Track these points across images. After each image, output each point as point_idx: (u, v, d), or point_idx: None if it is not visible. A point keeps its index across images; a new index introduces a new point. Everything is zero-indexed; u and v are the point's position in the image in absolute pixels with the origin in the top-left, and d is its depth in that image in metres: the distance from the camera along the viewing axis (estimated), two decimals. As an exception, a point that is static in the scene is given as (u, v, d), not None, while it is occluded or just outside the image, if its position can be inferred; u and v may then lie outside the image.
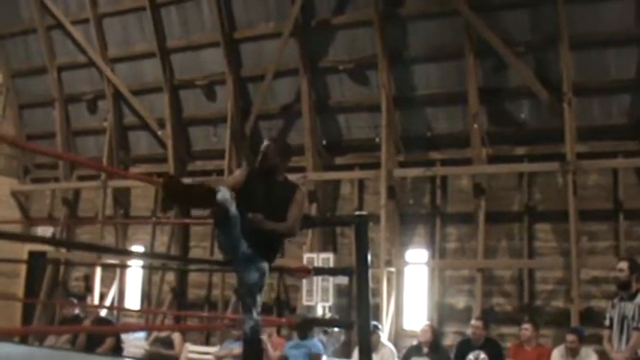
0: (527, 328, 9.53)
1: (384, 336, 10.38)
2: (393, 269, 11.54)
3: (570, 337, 8.92)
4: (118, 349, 10.56)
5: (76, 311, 11.80)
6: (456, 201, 11.77)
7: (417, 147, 11.94)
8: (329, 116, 12.55)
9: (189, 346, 12.12)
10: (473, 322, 9.88)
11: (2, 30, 15.80)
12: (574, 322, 9.88)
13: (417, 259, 11.84)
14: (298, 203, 5.46)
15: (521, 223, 11.24)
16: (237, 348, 10.66)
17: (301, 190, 5.59)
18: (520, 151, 11.29)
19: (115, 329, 10.99)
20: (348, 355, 10.53)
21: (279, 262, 11.97)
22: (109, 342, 10.33)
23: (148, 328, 12.50)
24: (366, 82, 12.09)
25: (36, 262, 15.40)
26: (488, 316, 10.47)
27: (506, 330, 10.80)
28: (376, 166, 11.80)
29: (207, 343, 12.70)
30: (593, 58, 10.67)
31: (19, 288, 15.52)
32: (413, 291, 11.76)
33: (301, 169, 12.44)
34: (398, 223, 11.86)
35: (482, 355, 9.43)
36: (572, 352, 8.88)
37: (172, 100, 13.76)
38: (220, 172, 13.15)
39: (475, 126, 11.10)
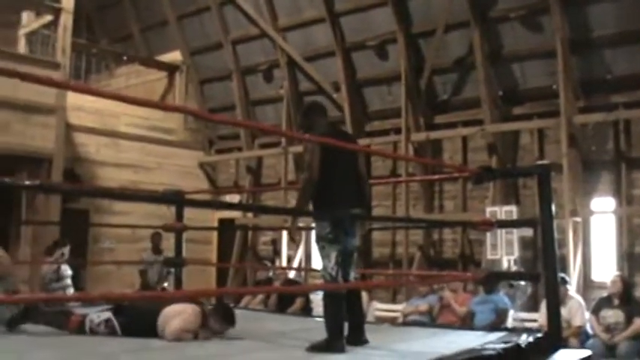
0: None
1: (571, 288, 10.11)
2: (578, 219, 11.18)
3: None
4: (307, 309, 10.86)
5: (270, 274, 12.21)
6: (642, 145, 11.24)
7: (597, 91, 11.42)
8: (503, 66, 12.25)
9: (376, 304, 12.32)
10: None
11: (179, 12, 16.49)
12: None
13: (603, 208, 11.40)
14: (305, 150, 5.72)
15: None
16: (423, 304, 10.76)
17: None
18: None
19: (304, 289, 11.29)
20: (535, 308, 10.36)
21: (461, 216, 12.08)
22: (299, 302, 10.61)
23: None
24: (539, 29, 11.68)
25: (226, 228, 16.10)
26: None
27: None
28: (555, 114, 11.44)
29: (393, 300, 12.87)
30: None
31: (213, 254, 16.34)
32: (600, 241, 11.35)
33: (479, 122, 12.29)
34: (581, 172, 11.43)
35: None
36: None
37: (345, 63, 13.88)
38: (398, 131, 13.18)
39: (659, 64, 10.54)
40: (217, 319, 6.15)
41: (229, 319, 6.23)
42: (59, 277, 11.13)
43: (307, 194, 5.57)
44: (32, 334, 6.01)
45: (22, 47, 14.44)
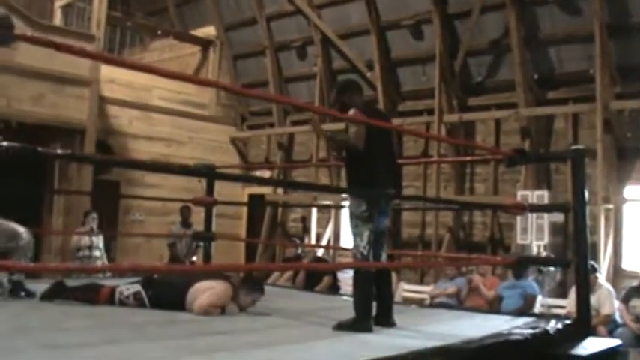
0: None
1: (601, 276, 10.00)
2: (610, 206, 11.05)
3: None
4: (335, 287, 10.86)
5: (298, 251, 12.25)
6: (679, 133, 11.05)
7: (634, 77, 11.21)
8: (539, 49, 12.09)
9: (404, 285, 12.31)
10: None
11: (214, -15, 16.49)
12: None
13: (636, 196, 11.26)
14: (349, 124, 5.59)
15: None
16: (451, 287, 10.73)
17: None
18: None
19: (332, 267, 11.28)
20: (564, 295, 10.29)
21: (492, 199, 11.98)
22: (327, 280, 10.61)
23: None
24: (577, 12, 11.51)
25: (256, 204, 16.16)
26: None
27: None
28: (591, 99, 11.29)
29: (421, 282, 12.85)
30: None
31: (242, 229, 16.41)
32: (633, 229, 11.21)
33: (513, 105, 12.16)
34: (615, 158, 11.30)
35: None
36: None
37: (380, 42, 13.78)
38: (431, 112, 13.12)
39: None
40: (246, 291, 6.16)
41: (258, 288, 6.25)
42: (81, 247, 11.30)
43: (349, 146, 5.51)
44: (62, 305, 6.06)
45: (57, 19, 14.52)
